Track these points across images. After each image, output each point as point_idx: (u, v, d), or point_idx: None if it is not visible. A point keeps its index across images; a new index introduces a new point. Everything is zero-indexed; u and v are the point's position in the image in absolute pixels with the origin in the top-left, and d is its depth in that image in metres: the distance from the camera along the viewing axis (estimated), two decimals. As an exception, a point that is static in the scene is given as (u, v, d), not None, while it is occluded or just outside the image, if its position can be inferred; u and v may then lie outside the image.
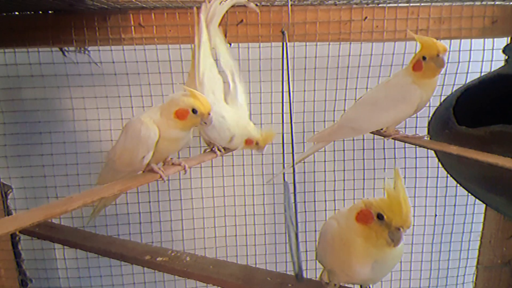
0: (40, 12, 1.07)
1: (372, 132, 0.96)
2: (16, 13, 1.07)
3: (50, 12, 1.07)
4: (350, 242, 0.65)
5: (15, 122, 1.24)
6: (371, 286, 0.79)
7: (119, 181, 0.77)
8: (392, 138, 0.90)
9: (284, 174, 1.19)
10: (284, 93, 1.29)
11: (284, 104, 1.30)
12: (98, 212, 1.02)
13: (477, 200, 0.95)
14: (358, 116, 0.92)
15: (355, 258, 0.65)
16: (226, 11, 0.93)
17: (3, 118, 1.23)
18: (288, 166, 0.99)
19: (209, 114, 0.78)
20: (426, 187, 1.34)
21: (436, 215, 1.38)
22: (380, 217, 0.61)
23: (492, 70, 0.97)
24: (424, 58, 0.79)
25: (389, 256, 0.65)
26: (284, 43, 0.98)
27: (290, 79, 1.27)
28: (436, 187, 1.34)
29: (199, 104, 0.76)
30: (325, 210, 1.35)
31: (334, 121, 1.30)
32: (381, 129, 0.95)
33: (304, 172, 1.34)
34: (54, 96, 1.25)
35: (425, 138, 0.89)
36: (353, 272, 0.66)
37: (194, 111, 0.76)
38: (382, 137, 0.94)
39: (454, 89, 0.99)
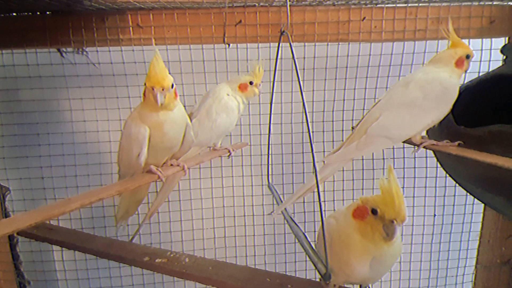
0: (38, 13, 1.07)
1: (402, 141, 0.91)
2: (14, 14, 1.07)
3: (48, 13, 1.07)
4: (348, 238, 0.66)
5: (13, 123, 1.23)
6: (370, 286, 0.79)
7: (118, 182, 0.77)
8: (423, 147, 0.84)
9: (268, 175, 1.18)
10: (283, 94, 1.29)
11: (283, 105, 1.30)
12: (124, 218, 1.04)
13: (476, 199, 0.95)
14: (394, 122, 0.83)
15: (353, 255, 0.66)
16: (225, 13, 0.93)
17: (1, 119, 1.22)
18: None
19: (162, 88, 0.74)
20: (425, 187, 1.34)
21: (435, 215, 1.38)
22: (374, 211, 0.63)
23: (491, 70, 0.97)
24: (468, 56, 0.86)
25: (387, 253, 0.65)
26: (281, 44, 0.98)
27: (289, 80, 1.27)
28: (435, 187, 1.34)
29: (148, 79, 0.74)
30: (324, 210, 1.35)
31: (333, 121, 1.30)
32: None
33: (303, 173, 1.34)
34: (52, 97, 1.25)
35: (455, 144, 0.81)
36: (352, 270, 0.67)
37: (151, 87, 0.75)
38: (412, 146, 0.87)
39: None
